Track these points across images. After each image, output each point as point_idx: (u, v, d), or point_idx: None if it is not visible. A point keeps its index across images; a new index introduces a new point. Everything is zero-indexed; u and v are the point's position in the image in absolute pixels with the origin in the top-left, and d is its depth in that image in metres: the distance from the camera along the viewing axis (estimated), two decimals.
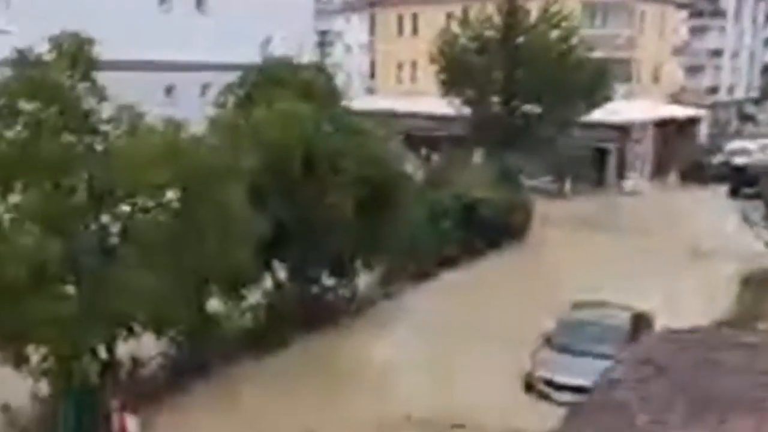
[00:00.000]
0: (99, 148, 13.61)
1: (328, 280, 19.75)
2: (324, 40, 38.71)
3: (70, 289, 13.58)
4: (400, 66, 50.02)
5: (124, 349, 14.95)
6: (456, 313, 19.43)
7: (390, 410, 14.30)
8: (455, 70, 33.61)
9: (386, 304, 20.91)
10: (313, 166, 17.36)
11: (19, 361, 13.42)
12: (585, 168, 37.88)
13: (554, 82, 31.29)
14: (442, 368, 15.93)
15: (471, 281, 22.42)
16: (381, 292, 21.47)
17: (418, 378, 15.68)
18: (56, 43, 13.47)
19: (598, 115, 34.39)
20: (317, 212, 17.44)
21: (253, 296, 17.56)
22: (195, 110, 19.71)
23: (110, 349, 14.66)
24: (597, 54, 34.10)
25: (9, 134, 13.05)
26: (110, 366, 14.76)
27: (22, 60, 13.36)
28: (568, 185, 37.49)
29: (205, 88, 27.09)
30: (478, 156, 34.45)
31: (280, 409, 14.75)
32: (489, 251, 24.87)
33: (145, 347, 15.59)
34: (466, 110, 34.15)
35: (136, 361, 15.65)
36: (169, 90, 29.94)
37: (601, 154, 39.67)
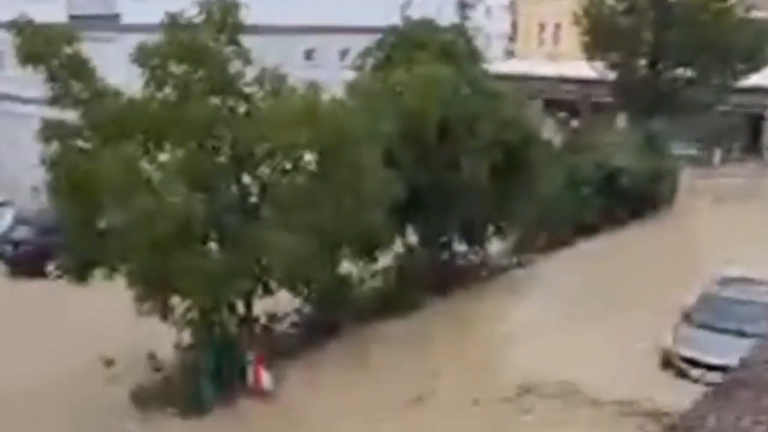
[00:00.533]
0: (242, 110, 14.09)
1: (460, 246, 19.70)
2: (464, 2, 38.13)
3: (213, 245, 14.28)
4: (542, 28, 48.55)
5: (260, 305, 15.66)
6: (591, 283, 18.92)
7: (514, 378, 14.18)
8: (601, 32, 32.23)
9: (518, 272, 20.67)
10: (449, 130, 17.25)
11: (165, 312, 14.31)
12: (737, 135, 35.62)
13: (710, 44, 29.43)
14: (573, 338, 15.57)
15: (609, 251, 21.72)
16: (513, 259, 21.20)
17: (547, 347, 15.41)
18: (205, 7, 13.97)
19: (754, 79, 32.12)
20: (451, 177, 17.36)
21: (385, 259, 17.78)
22: (334, 73, 20.03)
23: (248, 305, 15.36)
24: (758, 14, 31.71)
25: (160, 96, 13.73)
26: (247, 321, 15.48)
27: (174, 24, 13.95)
28: (718, 154, 35.43)
29: (344, 51, 27.44)
30: (621, 122, 33.12)
31: (409, 369, 14.93)
32: (630, 221, 23.98)
33: (280, 305, 16.26)
34: (611, 74, 32.79)
35: (271, 318, 16.30)
36: (309, 53, 30.54)
37: (755, 121, 37.11)
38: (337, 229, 14.05)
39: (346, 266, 16.84)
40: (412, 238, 18.76)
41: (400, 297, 17.81)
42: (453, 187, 17.38)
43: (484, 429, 12.72)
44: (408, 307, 17.51)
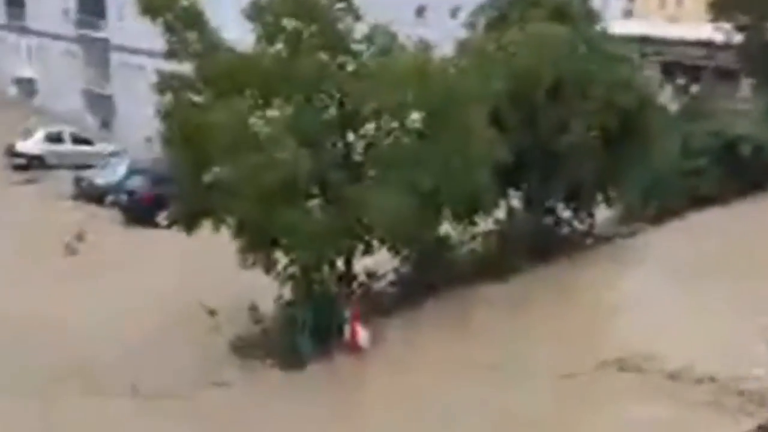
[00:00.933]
0: (350, 67, 14.09)
1: (565, 212, 19.23)
2: None
3: (316, 202, 14.48)
4: None
5: (359, 263, 15.82)
6: (705, 256, 18.05)
7: (613, 349, 13.78)
8: None
9: (625, 242, 20.00)
10: (561, 91, 16.75)
11: (268, 265, 14.68)
12: None
13: None
14: (682, 311, 14.97)
15: (726, 223, 20.64)
16: (620, 228, 20.53)
17: (652, 319, 14.89)
18: None
19: None
20: (560, 140, 16.89)
21: (486, 223, 17.59)
22: (445, 32, 19.71)
23: (348, 262, 15.56)
24: None
25: (271, 51, 13.88)
26: (346, 278, 15.70)
27: None
28: None
29: (455, 9, 26.98)
30: (745, 89, 31.34)
31: (505, 333, 14.78)
32: (751, 192, 22.71)
33: (379, 264, 16.39)
34: (737, 37, 30.96)
35: (370, 276, 16.46)
36: (420, 11, 30.23)
37: None
38: (440, 190, 13.97)
39: (447, 228, 16.82)
40: (515, 202, 18.43)
41: (499, 261, 17.60)
42: (561, 151, 16.92)
43: (573, 399, 12.47)
44: (508, 272, 17.27)
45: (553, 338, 14.37)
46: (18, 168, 26.91)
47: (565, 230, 19.31)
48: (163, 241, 18.05)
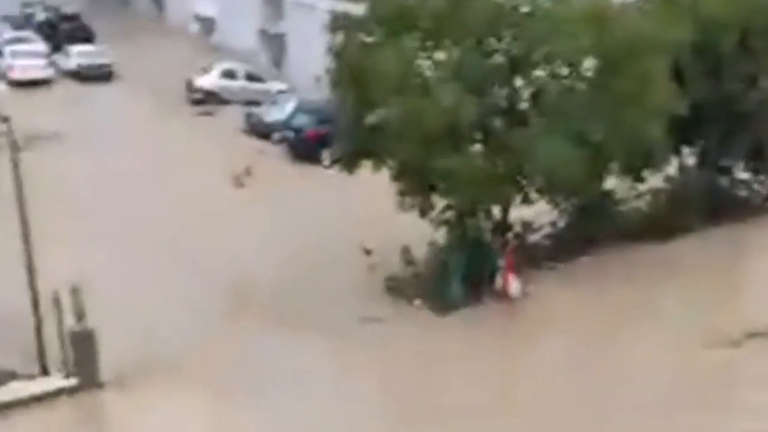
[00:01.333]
0: (525, 9, 13.62)
1: (742, 173, 17.93)
2: None
3: (478, 147, 14.30)
4: None
5: (516, 213, 15.55)
6: None
7: None
8: None
9: None
10: (749, 43, 15.48)
11: (424, 209, 14.73)
12: None
13: None
14: None
15: None
16: None
17: None
18: None
19: None
20: (744, 96, 15.71)
21: (655, 180, 16.73)
22: None
23: (505, 211, 15.34)
24: None
25: None
26: (502, 227, 15.50)
27: None
28: None
29: None
30: None
31: (664, 295, 14.10)
32: None
33: (536, 216, 16.05)
34: None
35: (526, 227, 16.16)
36: None
37: None
38: (610, 142, 13.41)
39: (612, 182, 16.15)
40: (688, 159, 17.38)
41: (667, 221, 16.71)
42: (744, 107, 15.75)
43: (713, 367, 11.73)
44: (675, 233, 16.39)
45: (714, 305, 13.58)
46: (195, 102, 28.42)
47: (742, 192, 18.03)
48: (325, 179, 18.51)
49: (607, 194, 16.30)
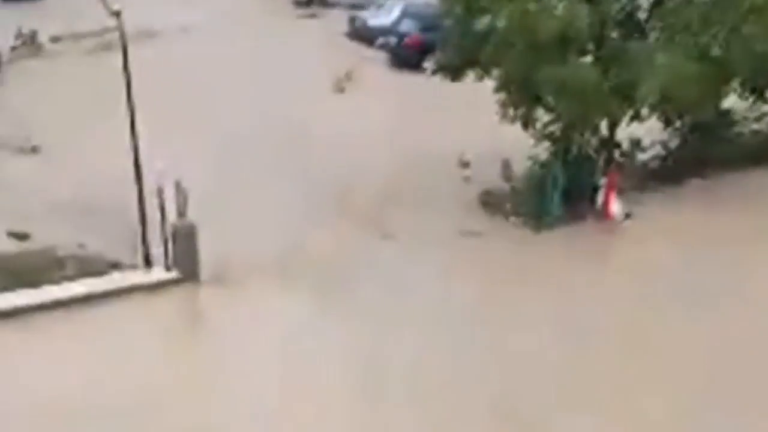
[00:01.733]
0: None
1: None
2: None
3: (589, 58, 13.65)
4: None
5: (624, 132, 14.92)
6: None
7: None
8: None
9: None
10: None
11: (527, 122, 14.30)
12: None
13: None
14: None
15: None
16: None
17: None
18: None
19: None
20: None
21: None
22: None
23: (612, 127, 14.74)
24: None
25: None
26: (609, 144, 14.92)
27: None
28: None
29: None
30: None
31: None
32: None
33: (645, 134, 15.38)
34: None
35: (634, 145, 15.52)
36: None
37: None
38: (732, 57, 12.58)
39: (732, 102, 15.23)
40: None
41: None
42: None
43: None
44: None
45: None
46: (301, 4, 28.25)
47: None
48: (427, 88, 18.15)
49: (725, 114, 15.46)
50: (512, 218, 14.56)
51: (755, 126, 16.34)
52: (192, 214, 12.45)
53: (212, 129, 17.33)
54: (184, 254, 12.48)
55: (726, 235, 13.28)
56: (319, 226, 13.93)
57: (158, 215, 12.35)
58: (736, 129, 16.14)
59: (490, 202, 15.08)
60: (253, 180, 15.40)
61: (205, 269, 12.50)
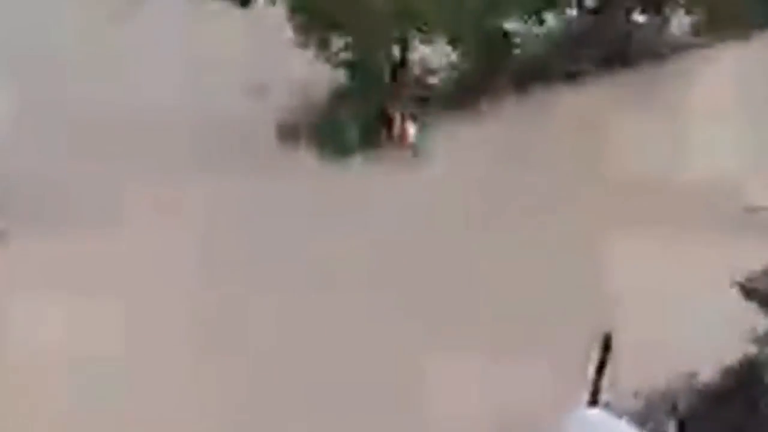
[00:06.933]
0: None
1: (639, 17, 18.62)
2: None
3: None
4: None
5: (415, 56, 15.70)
6: None
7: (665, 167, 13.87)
8: None
9: (699, 53, 19.28)
10: None
11: (323, 46, 14.71)
12: None
13: None
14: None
15: None
16: (697, 38, 19.73)
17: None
18: None
19: None
20: None
21: (556, 21, 17.21)
22: None
23: (403, 51, 15.51)
24: None
25: None
26: (401, 69, 15.70)
27: None
28: None
29: None
30: None
31: (564, 145, 14.93)
32: None
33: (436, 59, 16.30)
34: None
35: (426, 71, 16.44)
36: None
37: None
38: None
39: (513, 24, 16.51)
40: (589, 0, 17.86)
41: (563, 64, 17.35)
42: None
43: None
44: (570, 77, 17.09)
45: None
46: None
47: (639, 35, 18.76)
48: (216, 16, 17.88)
49: (507, 35, 16.67)
50: (311, 148, 14.98)
51: (535, 47, 17.78)
52: None
53: None
54: None
55: (502, 161, 14.52)
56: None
57: None
58: (522, 50, 17.45)
59: (286, 132, 15.42)
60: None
61: None
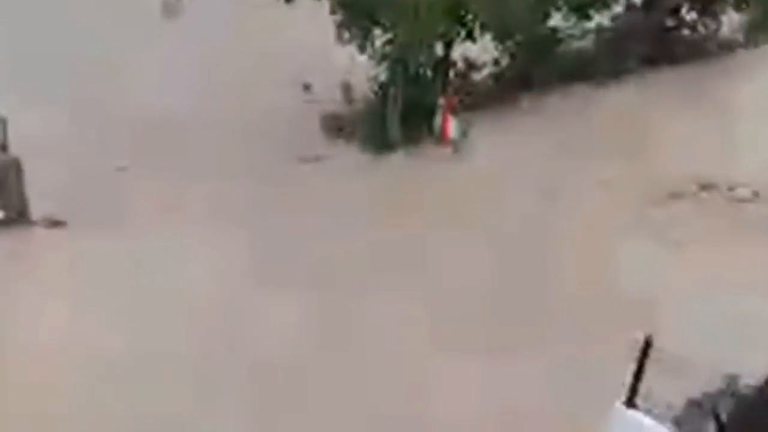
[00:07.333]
0: None
1: (688, 14, 18.43)
2: None
3: None
4: None
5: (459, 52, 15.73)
6: None
7: (705, 173, 13.71)
8: None
9: (748, 52, 19.06)
10: None
11: (364, 43, 14.87)
12: None
13: None
14: None
15: None
16: (746, 37, 19.49)
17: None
18: None
19: None
20: None
21: (601, 18, 17.14)
22: None
23: (447, 47, 15.57)
24: None
25: None
26: (444, 64, 15.78)
27: None
28: None
29: None
30: None
31: (599, 140, 14.81)
32: None
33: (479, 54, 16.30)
34: None
35: (469, 64, 16.49)
36: None
37: None
38: None
39: (557, 20, 16.48)
40: None
41: (608, 61, 17.27)
42: None
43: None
44: (615, 74, 17.01)
45: (646, 152, 14.27)
46: None
47: (686, 33, 18.58)
48: (261, 12, 18.15)
49: (552, 32, 16.65)
50: (355, 142, 15.12)
51: (581, 43, 17.73)
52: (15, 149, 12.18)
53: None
54: (9, 192, 12.19)
55: (542, 154, 14.35)
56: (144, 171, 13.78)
57: None
58: (562, 47, 17.45)
59: (331, 126, 15.62)
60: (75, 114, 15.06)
61: (35, 208, 12.30)
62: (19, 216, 12.24)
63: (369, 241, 11.82)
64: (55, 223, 12.24)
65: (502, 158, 14.34)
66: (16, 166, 12.18)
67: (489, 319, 10.07)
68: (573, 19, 16.93)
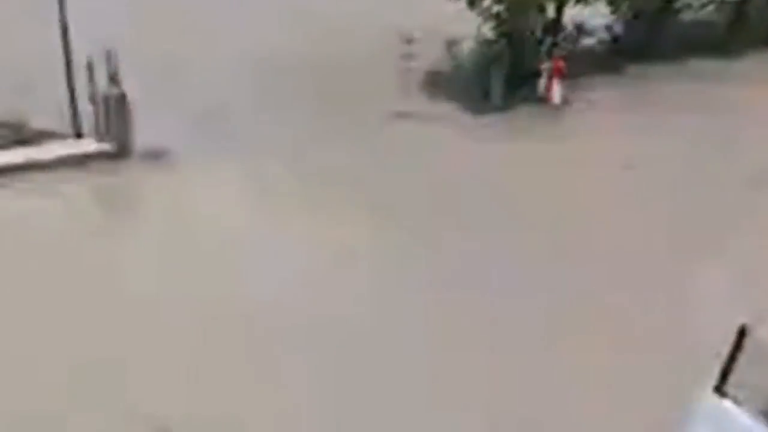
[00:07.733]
0: None
1: None
2: None
3: None
4: None
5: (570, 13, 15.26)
6: None
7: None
8: None
9: None
10: None
11: (474, 1, 14.55)
12: None
13: None
14: None
15: None
16: None
17: None
18: None
19: None
20: None
21: None
22: None
23: (559, 9, 15.14)
24: None
25: None
26: (554, 27, 15.37)
27: None
28: None
29: None
30: None
31: (704, 115, 14.11)
32: None
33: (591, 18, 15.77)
34: None
35: (580, 28, 16.04)
36: None
37: None
38: None
39: None
40: None
41: (729, 36, 16.48)
42: None
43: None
44: (736, 49, 16.18)
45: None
46: None
47: None
48: None
49: (670, 1, 16.00)
50: (456, 100, 14.88)
51: (699, 15, 16.97)
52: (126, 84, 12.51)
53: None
54: (116, 125, 12.62)
55: (657, 120, 13.88)
56: (253, 100, 14.00)
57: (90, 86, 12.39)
58: (681, 16, 16.74)
59: (433, 82, 15.45)
60: (190, 47, 15.39)
61: (139, 141, 12.69)
62: (122, 148, 12.66)
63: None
64: (159, 156, 12.63)
65: (593, 127, 13.90)
66: (124, 101, 12.56)
67: None
68: None
